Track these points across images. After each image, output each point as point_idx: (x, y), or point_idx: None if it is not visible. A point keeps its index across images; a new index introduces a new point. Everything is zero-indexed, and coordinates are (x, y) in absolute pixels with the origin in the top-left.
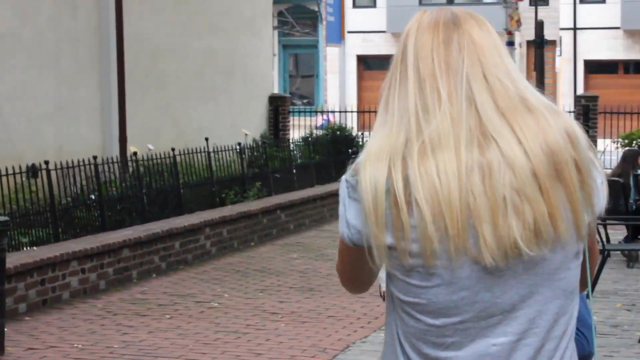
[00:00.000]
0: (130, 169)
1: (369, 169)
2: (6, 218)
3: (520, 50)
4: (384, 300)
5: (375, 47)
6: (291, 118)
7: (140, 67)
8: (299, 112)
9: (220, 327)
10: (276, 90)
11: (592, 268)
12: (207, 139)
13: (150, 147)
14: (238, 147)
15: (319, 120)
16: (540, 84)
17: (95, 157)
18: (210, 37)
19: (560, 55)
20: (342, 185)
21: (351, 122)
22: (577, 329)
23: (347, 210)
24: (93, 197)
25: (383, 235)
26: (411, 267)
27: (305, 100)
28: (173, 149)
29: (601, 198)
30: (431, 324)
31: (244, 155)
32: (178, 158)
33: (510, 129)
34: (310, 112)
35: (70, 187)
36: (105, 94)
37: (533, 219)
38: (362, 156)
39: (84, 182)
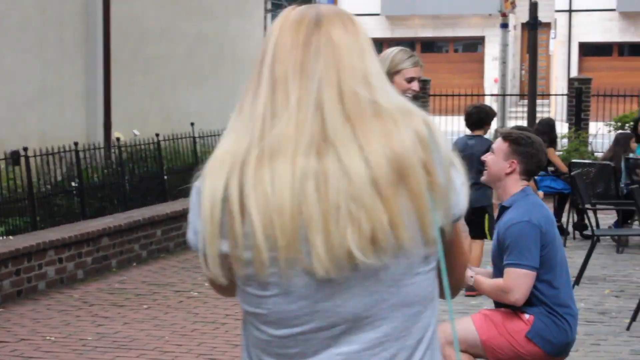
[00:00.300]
0: (113, 156)
1: (210, 176)
2: None
3: (515, 33)
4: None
5: (369, 30)
6: None
7: (127, 51)
8: None
9: (199, 318)
10: None
11: (458, 271)
12: (192, 124)
13: (136, 132)
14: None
15: None
16: (533, 66)
17: (76, 144)
18: (199, 20)
19: (555, 37)
20: (192, 191)
21: None
22: (561, 315)
23: (193, 217)
24: (74, 184)
25: (218, 243)
26: (247, 277)
27: None
28: (157, 135)
29: (461, 199)
30: (273, 335)
31: None
32: (163, 144)
33: (353, 136)
34: None
35: (50, 175)
36: (90, 78)
37: (370, 228)
38: (208, 161)
39: (65, 170)
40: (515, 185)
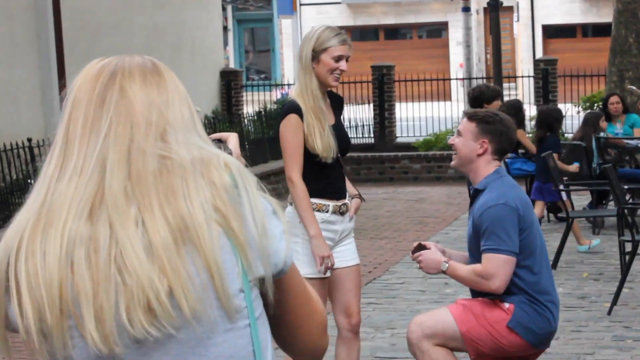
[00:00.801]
0: None
1: (2, 244)
2: None
3: (478, 17)
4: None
5: (330, 19)
6: (248, 94)
7: (81, 44)
8: (254, 86)
9: None
10: (232, 65)
11: (308, 329)
12: None
13: None
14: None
15: (277, 94)
16: (497, 48)
17: (29, 140)
18: (155, 12)
19: (518, 21)
20: None
21: None
22: (543, 303)
23: None
24: (30, 182)
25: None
26: (31, 352)
27: (262, 75)
28: None
29: (282, 247)
30: None
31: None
32: None
33: (131, 199)
34: (265, 86)
35: (4, 172)
36: (45, 73)
37: (145, 299)
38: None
39: (21, 166)
40: (487, 166)
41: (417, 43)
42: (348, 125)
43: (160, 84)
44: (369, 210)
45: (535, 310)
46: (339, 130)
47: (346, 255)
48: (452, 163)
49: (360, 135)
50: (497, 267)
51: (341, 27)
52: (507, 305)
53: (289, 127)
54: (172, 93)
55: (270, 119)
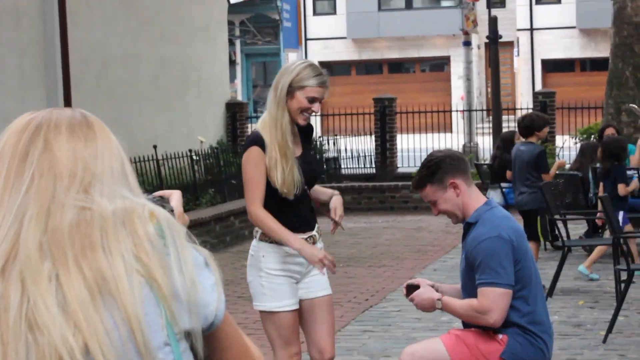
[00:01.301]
0: None
1: None
2: None
3: (479, 52)
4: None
5: (337, 53)
6: (254, 125)
7: (89, 77)
8: (258, 118)
9: None
10: (240, 98)
11: None
12: (155, 147)
13: None
14: (189, 153)
15: None
16: (495, 80)
17: None
18: (163, 45)
19: (518, 55)
20: None
21: (315, 127)
22: (536, 334)
23: None
24: None
25: None
26: None
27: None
28: None
29: (213, 299)
30: None
31: (197, 162)
32: None
33: (49, 256)
34: None
35: None
36: (52, 104)
37: (59, 357)
38: None
39: None
40: (472, 199)
41: (420, 77)
42: (350, 156)
43: (89, 137)
44: (368, 239)
45: (528, 342)
46: (306, 162)
47: (315, 286)
48: (453, 222)
49: (362, 166)
50: (494, 301)
51: (346, 62)
52: (500, 336)
53: (251, 160)
54: (102, 145)
55: None
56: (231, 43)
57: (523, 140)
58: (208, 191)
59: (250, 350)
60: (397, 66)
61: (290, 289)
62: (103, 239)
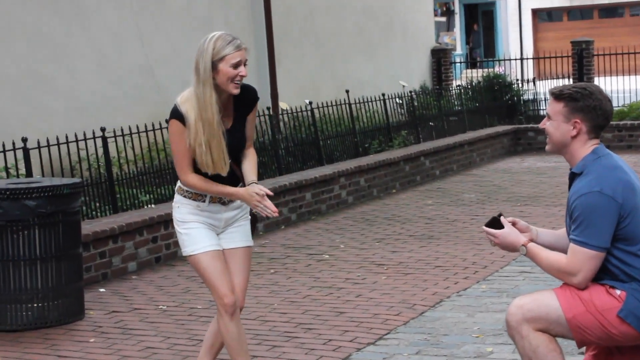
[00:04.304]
0: (281, 124)
1: None
2: (78, 180)
3: None
4: None
5: (549, 1)
6: (466, 70)
7: (295, 28)
8: (461, 63)
9: (319, 283)
10: (458, 46)
11: None
12: (347, 92)
13: (308, 101)
14: (382, 97)
15: (500, 69)
16: None
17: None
18: None
19: None
20: None
21: (527, 71)
22: None
23: None
24: None
25: None
26: None
27: (477, 53)
28: (310, 102)
29: None
30: None
31: (401, 105)
32: (319, 111)
33: None
34: (480, 62)
35: None
36: (260, 54)
37: None
38: None
39: None
40: (583, 147)
41: (630, 20)
42: (546, 98)
43: None
44: (553, 178)
45: None
46: (233, 135)
47: (235, 237)
48: (547, 148)
49: None
50: (583, 262)
51: (557, 8)
52: (618, 292)
53: (174, 133)
54: None
55: (474, 93)
56: None
57: None
58: (401, 133)
59: None
60: (608, 11)
61: (206, 232)
62: None
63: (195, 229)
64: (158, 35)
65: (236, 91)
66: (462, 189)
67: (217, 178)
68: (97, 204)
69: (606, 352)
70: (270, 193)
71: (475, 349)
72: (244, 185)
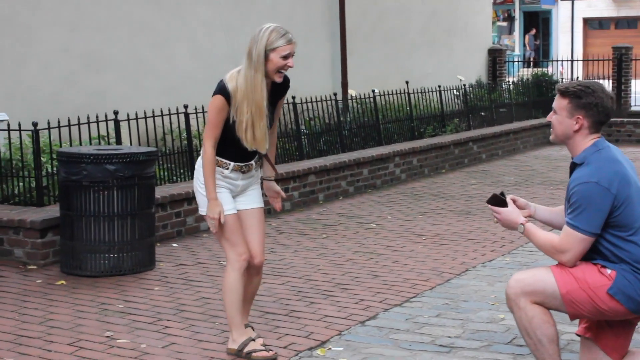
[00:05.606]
0: (350, 109)
1: None
2: (154, 149)
3: None
4: None
5: (598, 11)
6: (521, 69)
7: (366, 26)
8: (514, 62)
9: (362, 248)
10: (517, 47)
11: None
12: (407, 82)
13: (375, 90)
14: (438, 88)
15: (552, 70)
16: None
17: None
18: (433, 0)
19: None
20: None
21: (576, 72)
22: None
23: None
24: (304, 129)
25: None
26: None
27: (530, 55)
28: (373, 91)
29: None
30: None
31: (458, 96)
32: (382, 99)
33: None
34: (535, 62)
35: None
36: (334, 48)
37: None
38: None
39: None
40: (584, 140)
41: None
42: None
43: None
44: None
45: (637, 279)
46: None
47: (250, 200)
48: (551, 138)
49: None
50: (573, 243)
51: (606, 18)
52: (609, 271)
53: (215, 107)
54: None
55: (523, 88)
56: (512, 1)
57: None
58: (454, 120)
59: None
60: None
61: (227, 196)
62: None
63: (219, 193)
64: (244, 29)
65: (280, 80)
66: (504, 172)
67: (238, 149)
68: (181, 171)
69: (597, 325)
70: (222, 221)
71: (489, 315)
72: (260, 158)
